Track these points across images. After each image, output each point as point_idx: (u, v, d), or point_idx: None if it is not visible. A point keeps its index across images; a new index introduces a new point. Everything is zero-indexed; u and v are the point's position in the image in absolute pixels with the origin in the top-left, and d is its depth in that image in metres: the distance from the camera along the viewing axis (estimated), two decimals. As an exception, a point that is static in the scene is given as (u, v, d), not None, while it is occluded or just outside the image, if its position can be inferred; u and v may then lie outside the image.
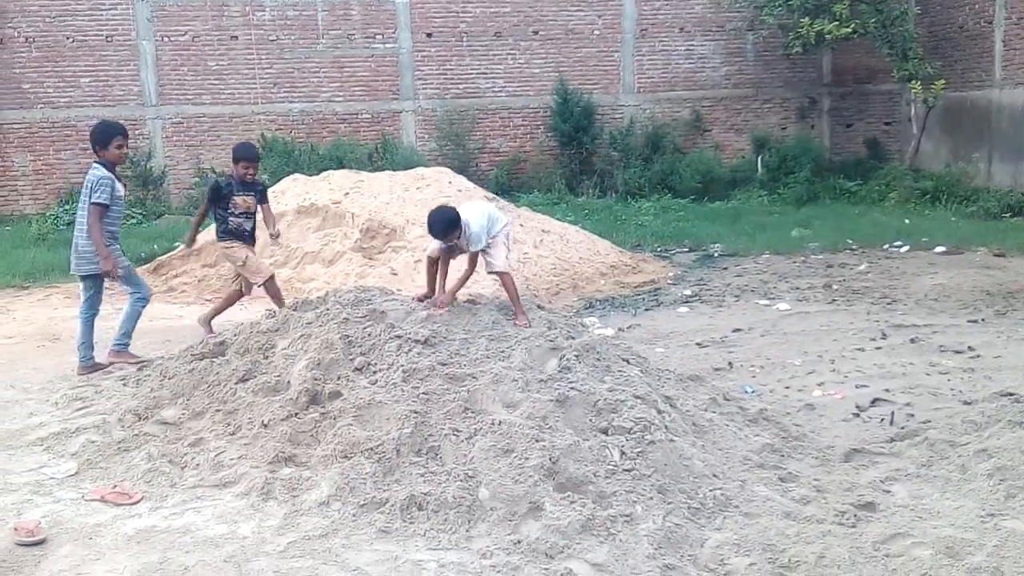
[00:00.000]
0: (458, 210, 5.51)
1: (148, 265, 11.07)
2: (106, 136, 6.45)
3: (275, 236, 7.28)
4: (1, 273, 10.86)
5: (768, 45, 17.52)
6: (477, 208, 5.68)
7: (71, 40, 16.05)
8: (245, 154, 7.08)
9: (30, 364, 6.95)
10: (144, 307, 6.64)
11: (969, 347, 7.04)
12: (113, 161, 6.47)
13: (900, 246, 11.82)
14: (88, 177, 6.41)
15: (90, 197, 6.30)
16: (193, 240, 7.72)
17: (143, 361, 6.35)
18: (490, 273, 5.68)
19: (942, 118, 16.27)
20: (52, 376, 6.52)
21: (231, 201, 7.01)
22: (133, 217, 15.16)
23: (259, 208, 7.21)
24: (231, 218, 7.06)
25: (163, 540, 3.86)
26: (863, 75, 18.09)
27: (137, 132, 16.40)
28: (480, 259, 5.68)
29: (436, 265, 5.67)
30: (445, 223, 5.40)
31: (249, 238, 7.18)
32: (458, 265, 5.94)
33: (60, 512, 4.15)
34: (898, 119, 18.22)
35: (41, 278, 10.85)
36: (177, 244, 11.85)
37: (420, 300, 5.62)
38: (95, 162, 6.45)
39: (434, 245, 5.59)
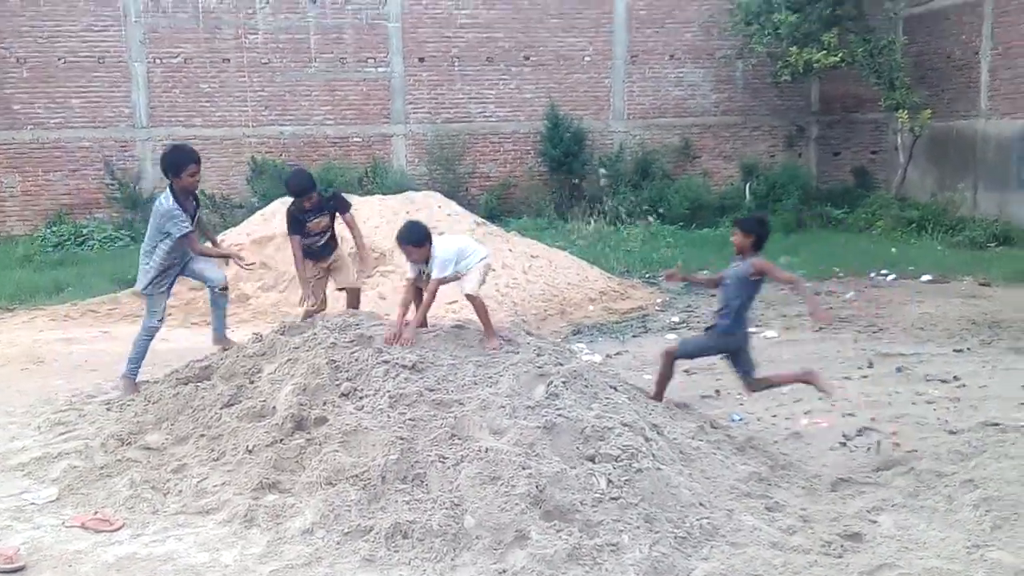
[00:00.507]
0: (434, 236, 5.51)
1: (135, 288, 11.00)
2: (179, 164, 6.24)
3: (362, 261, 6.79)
4: (-14, 294, 10.78)
5: (757, 73, 17.68)
6: (453, 240, 5.70)
7: (63, 61, 16.06)
8: (296, 190, 6.50)
9: (13, 387, 6.89)
10: (147, 337, 6.52)
11: (955, 376, 7.06)
12: (186, 188, 6.27)
13: (887, 275, 11.87)
14: (156, 207, 6.29)
15: (163, 229, 6.23)
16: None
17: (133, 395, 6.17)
18: (465, 295, 5.61)
19: (928, 147, 16.42)
20: (35, 400, 6.46)
21: (306, 229, 6.67)
22: (120, 239, 15.12)
23: (337, 219, 6.72)
24: (307, 241, 6.74)
25: (144, 568, 3.82)
26: (850, 104, 18.27)
27: (127, 154, 16.39)
28: (453, 287, 5.69)
29: (420, 293, 5.65)
30: (412, 234, 5.40)
31: (322, 251, 6.69)
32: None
33: (40, 538, 4.10)
34: (885, 148, 18.38)
35: (27, 300, 10.78)
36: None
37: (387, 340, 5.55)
38: (168, 187, 6.28)
39: (411, 275, 5.58)
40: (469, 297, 5.50)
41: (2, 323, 9.69)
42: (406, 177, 16.49)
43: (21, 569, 3.81)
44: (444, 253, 5.44)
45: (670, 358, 5.90)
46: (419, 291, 5.62)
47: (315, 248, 6.59)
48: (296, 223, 6.44)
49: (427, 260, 5.44)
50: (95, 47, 16.16)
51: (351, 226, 6.57)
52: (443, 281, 5.47)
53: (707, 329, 6.00)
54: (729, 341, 5.75)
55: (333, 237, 6.70)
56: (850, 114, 18.36)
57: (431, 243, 5.41)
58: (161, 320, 6.38)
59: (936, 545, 4.07)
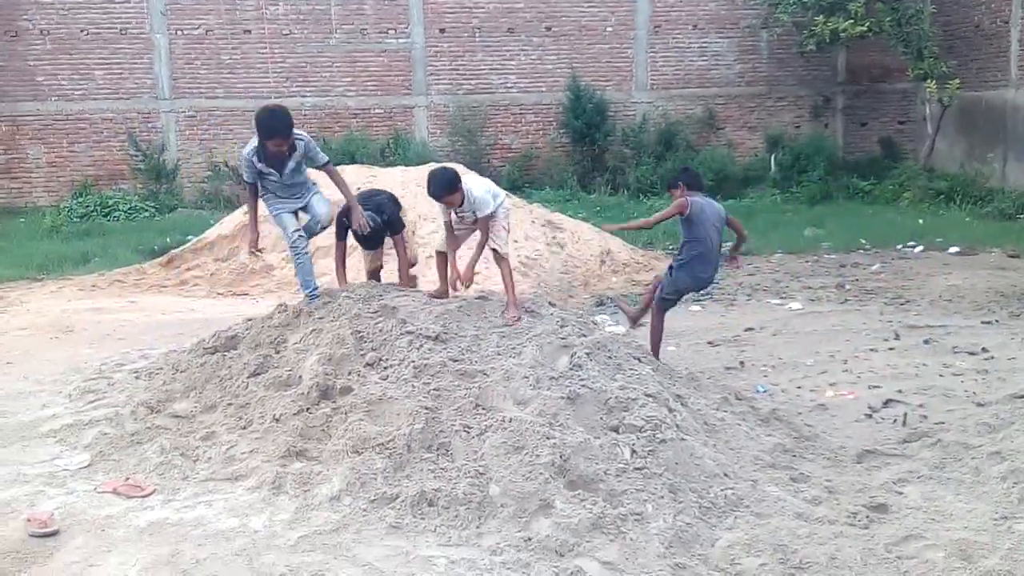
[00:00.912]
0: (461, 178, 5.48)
1: (161, 258, 11.12)
2: (262, 130, 5.66)
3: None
4: (15, 265, 10.92)
5: (782, 43, 17.43)
6: (478, 179, 5.68)
7: (85, 33, 16.10)
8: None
9: (43, 356, 6.99)
10: (295, 254, 5.81)
11: (983, 348, 7.00)
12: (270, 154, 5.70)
13: (914, 246, 11.75)
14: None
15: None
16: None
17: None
18: (491, 248, 5.55)
19: (957, 118, 16.17)
20: (65, 368, 6.55)
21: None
22: (145, 210, 15.23)
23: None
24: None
25: (175, 533, 3.88)
26: (878, 74, 18.00)
27: (150, 125, 16.45)
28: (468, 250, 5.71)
29: (445, 259, 5.68)
30: (443, 182, 5.34)
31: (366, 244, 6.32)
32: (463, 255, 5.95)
33: (73, 504, 4.17)
34: (912, 118, 18.11)
35: (54, 270, 10.90)
36: (190, 237, 11.89)
37: (433, 296, 5.62)
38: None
39: (445, 217, 5.55)
40: (497, 256, 5.50)
41: (31, 293, 9.81)
42: (428, 148, 16.47)
43: (55, 533, 3.89)
44: (481, 191, 5.44)
45: (659, 310, 6.26)
46: (443, 257, 5.67)
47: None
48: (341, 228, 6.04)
49: (461, 202, 5.40)
50: (117, 18, 16.18)
51: (397, 246, 6.24)
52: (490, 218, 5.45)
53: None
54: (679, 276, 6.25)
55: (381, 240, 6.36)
56: (877, 84, 18.09)
57: (461, 182, 5.39)
58: (296, 233, 5.70)
59: (963, 517, 4.06)
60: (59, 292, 9.89)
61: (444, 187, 5.34)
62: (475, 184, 5.53)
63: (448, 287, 5.69)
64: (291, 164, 5.64)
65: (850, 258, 11.28)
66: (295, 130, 5.59)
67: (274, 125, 5.54)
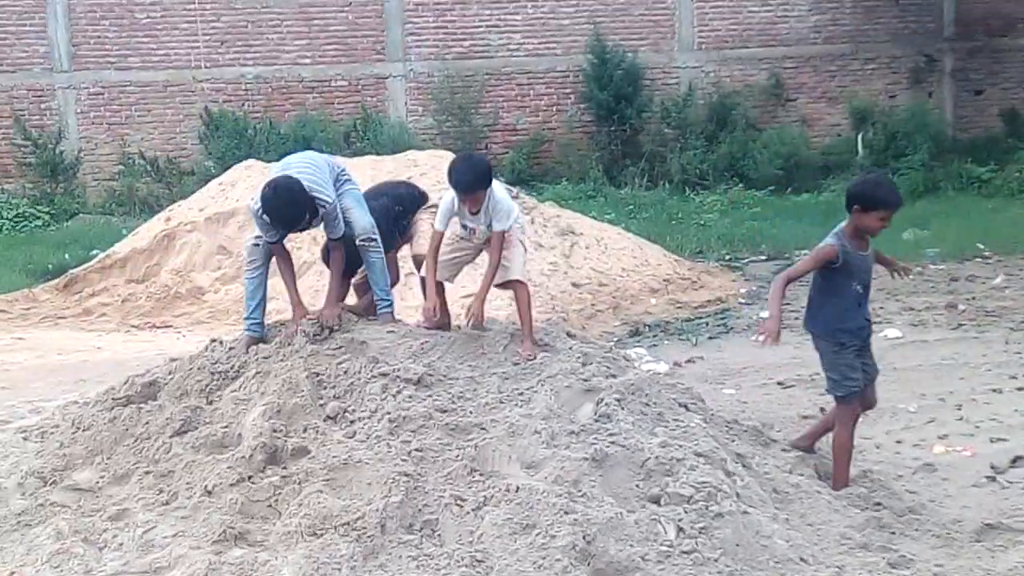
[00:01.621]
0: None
1: (57, 281, 11.16)
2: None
3: None
4: None
5: (871, -14, 17.55)
6: (498, 184, 5.71)
7: (-42, -13, 16.28)
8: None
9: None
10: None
11: None
12: None
13: (1049, 253, 11.76)
14: None
15: None
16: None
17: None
18: (501, 285, 5.62)
19: (1104, 82, 16.22)
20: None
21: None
22: (36, 217, 15.31)
23: None
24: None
25: (75, 644, 3.87)
26: (997, 26, 18.08)
27: (43, 106, 16.57)
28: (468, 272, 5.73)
29: (443, 289, 5.68)
30: (476, 172, 5.38)
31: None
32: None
33: (-59, 607, 4.17)
34: (1045, 83, 18.16)
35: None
36: (95, 252, 11.94)
37: (429, 325, 5.62)
38: None
39: (440, 227, 5.56)
40: (515, 284, 5.53)
41: None
42: (406, 131, 16.55)
43: (-82, 647, 3.87)
44: (506, 199, 5.49)
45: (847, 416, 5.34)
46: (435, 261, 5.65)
47: None
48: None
49: (479, 207, 5.43)
50: (0, -33, 16.35)
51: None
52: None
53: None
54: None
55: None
56: (996, 39, 18.16)
57: (491, 190, 5.41)
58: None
59: (1117, 612, 4.04)
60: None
61: (479, 177, 5.38)
62: (497, 187, 5.58)
63: (449, 318, 5.69)
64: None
65: (964, 269, 11.25)
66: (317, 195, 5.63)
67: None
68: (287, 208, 5.52)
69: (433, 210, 5.95)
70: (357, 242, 5.84)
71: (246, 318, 5.79)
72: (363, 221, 5.82)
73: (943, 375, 7.55)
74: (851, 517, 4.83)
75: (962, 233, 12.65)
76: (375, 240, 5.83)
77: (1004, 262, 11.52)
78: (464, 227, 5.61)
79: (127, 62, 16.74)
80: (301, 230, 6.07)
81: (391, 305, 5.94)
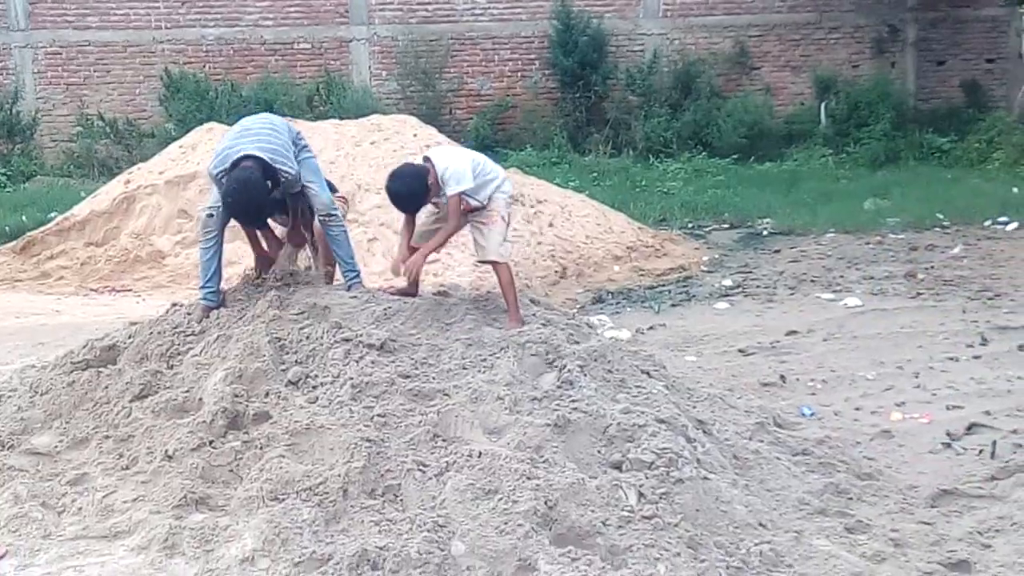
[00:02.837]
0: (428, 154, 5.40)
1: (15, 243, 11.03)
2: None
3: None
4: None
5: (836, -45, 17.57)
6: (455, 152, 5.60)
7: (-89, -58, 15.95)
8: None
9: None
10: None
11: (1095, 356, 7.10)
12: None
13: (1006, 223, 11.87)
14: None
15: None
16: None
17: None
18: (480, 262, 5.62)
19: (1063, 54, 16.36)
20: None
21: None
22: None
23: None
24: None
25: (34, 609, 3.86)
26: (960, -4, 18.16)
27: (0, 65, 16.31)
28: (468, 235, 5.65)
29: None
30: (410, 192, 5.29)
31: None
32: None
33: None
34: (1005, 55, 18.30)
35: None
36: (53, 214, 11.81)
37: (397, 293, 5.59)
38: None
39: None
40: (493, 265, 5.45)
41: None
42: (370, 95, 16.44)
43: None
44: (453, 164, 5.32)
45: None
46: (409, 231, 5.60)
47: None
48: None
49: (438, 192, 5.32)
50: (-46, -78, 16.04)
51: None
52: (464, 202, 5.33)
53: None
54: None
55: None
56: (958, 10, 18.26)
57: (432, 165, 5.28)
58: None
59: (1068, 576, 4.11)
60: None
61: (413, 195, 5.30)
62: (450, 157, 5.42)
63: (417, 286, 5.64)
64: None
65: (923, 238, 11.36)
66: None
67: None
68: (251, 207, 5.46)
69: None
70: (317, 218, 5.77)
71: (201, 287, 5.71)
72: (322, 196, 5.70)
73: (901, 343, 7.63)
74: (809, 483, 4.89)
75: (922, 203, 12.76)
76: (335, 215, 5.73)
77: (962, 232, 11.64)
78: (435, 205, 5.51)
79: (86, 21, 16.49)
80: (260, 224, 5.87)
81: (358, 276, 5.88)
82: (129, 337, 5.58)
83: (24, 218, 12.28)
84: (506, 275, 5.43)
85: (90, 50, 16.57)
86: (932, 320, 8.23)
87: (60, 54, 16.52)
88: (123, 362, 5.37)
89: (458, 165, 5.35)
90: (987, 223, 11.94)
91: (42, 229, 11.14)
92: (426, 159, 5.40)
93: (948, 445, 5.67)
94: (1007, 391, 6.52)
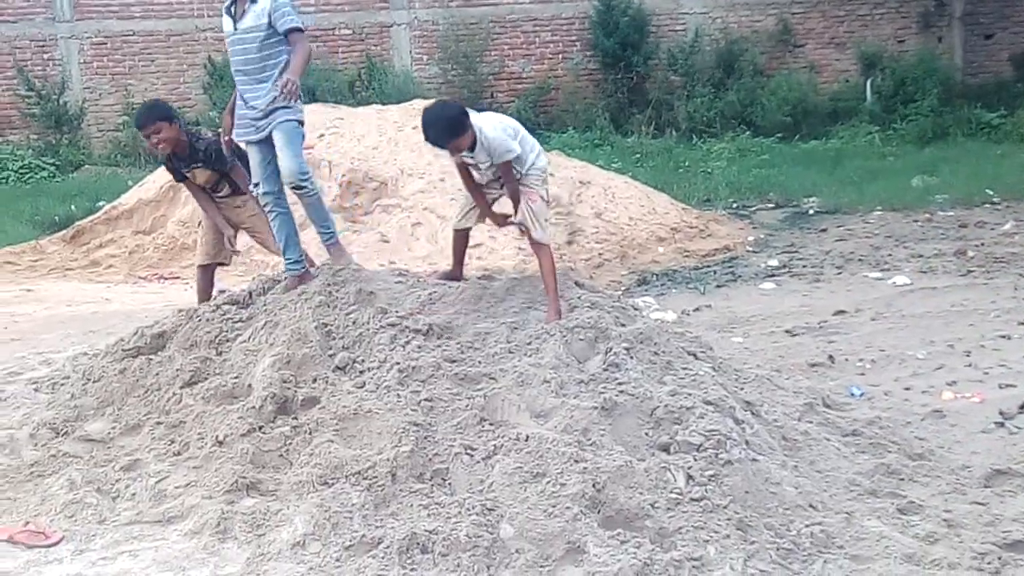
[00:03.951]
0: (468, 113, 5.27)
1: (64, 232, 11.16)
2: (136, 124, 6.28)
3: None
4: None
5: (881, -71, 17.34)
6: (490, 116, 5.44)
7: (-42, -64, 16.15)
8: (136, 123, 6.52)
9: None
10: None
11: None
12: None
13: (1058, 198, 11.71)
14: None
15: None
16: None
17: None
18: (522, 233, 5.48)
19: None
20: (-58, 378, 6.60)
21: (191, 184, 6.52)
22: (42, 168, 15.28)
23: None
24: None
25: (90, 593, 3.91)
26: (1008, -32, 17.86)
27: (46, 57, 16.48)
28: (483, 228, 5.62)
29: (465, 239, 5.63)
30: (444, 123, 5.17)
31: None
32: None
33: (-43, 557, 4.21)
34: (1056, 27, 17.98)
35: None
36: (101, 203, 11.94)
37: (443, 278, 5.61)
38: None
39: (460, 175, 5.41)
40: (535, 245, 5.36)
41: None
42: (411, 80, 16.45)
43: (-66, 596, 3.92)
44: (497, 131, 5.22)
45: None
46: (462, 236, 5.61)
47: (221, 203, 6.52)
48: (175, 173, 6.46)
49: (473, 146, 5.22)
50: (0, -84, 16.21)
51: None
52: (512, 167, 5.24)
53: None
54: None
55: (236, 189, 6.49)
56: (1008, -18, 17.95)
57: (469, 118, 5.17)
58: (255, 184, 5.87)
59: (1125, 557, 4.06)
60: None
61: (446, 126, 5.18)
62: (487, 121, 5.33)
63: (462, 270, 5.64)
64: (249, 18, 5.62)
65: (973, 215, 11.22)
66: None
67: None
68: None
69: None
70: (288, 190, 5.71)
71: (284, 259, 5.76)
72: (288, 164, 5.56)
73: (952, 322, 7.54)
74: (860, 464, 4.85)
75: (971, 179, 12.60)
76: (303, 187, 5.62)
77: (1013, 208, 11.48)
78: (479, 172, 5.39)
79: (130, 11, 16.62)
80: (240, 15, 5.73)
81: (334, 237, 5.82)
82: (179, 324, 5.63)
83: (73, 207, 12.42)
84: (548, 261, 5.31)
85: (134, 40, 16.70)
86: (983, 298, 8.13)
87: (105, 44, 16.67)
88: (173, 349, 5.42)
89: (497, 134, 5.24)
90: (1038, 199, 11.78)
91: (91, 218, 11.27)
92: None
93: (1001, 424, 5.61)
94: (1061, 370, 6.44)
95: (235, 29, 5.73)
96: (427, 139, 5.36)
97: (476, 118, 5.30)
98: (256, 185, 5.79)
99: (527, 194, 5.34)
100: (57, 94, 16.15)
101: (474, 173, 5.42)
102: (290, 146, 5.56)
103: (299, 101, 5.56)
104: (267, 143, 5.63)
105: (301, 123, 5.62)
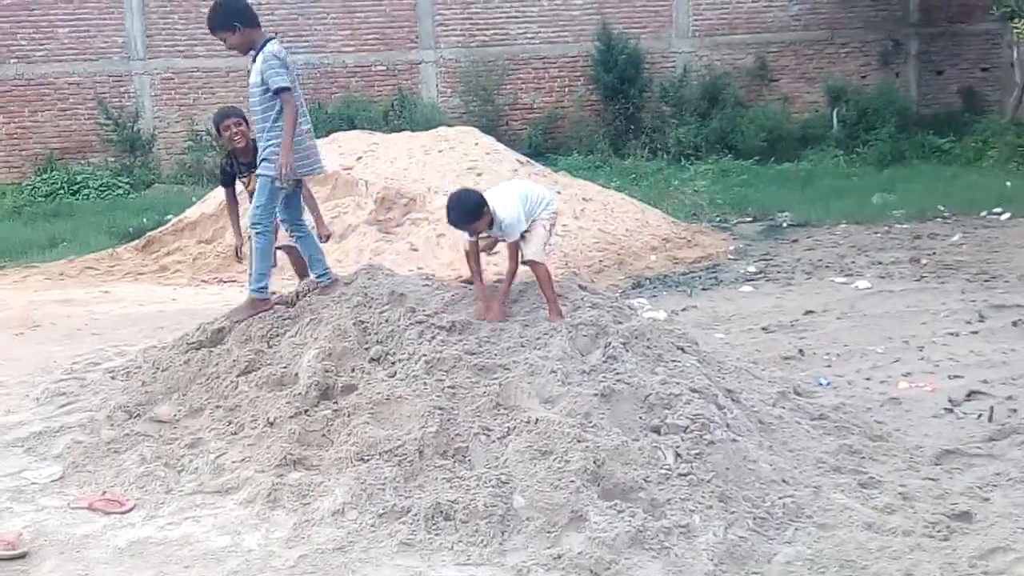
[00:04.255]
0: (485, 195, 5.24)
1: (137, 242, 11.21)
2: (218, 117, 6.19)
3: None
4: (-28, 251, 11.05)
5: (845, -20, 17.26)
6: (511, 191, 5.41)
7: (47, -14, 16.21)
8: (218, 116, 6.30)
9: (7, 355, 7.07)
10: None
11: (1082, 331, 6.94)
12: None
13: (1000, 213, 11.63)
14: None
15: None
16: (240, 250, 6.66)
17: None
18: (524, 261, 5.50)
19: (1051, 62, 15.95)
20: (32, 368, 6.62)
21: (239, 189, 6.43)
22: (118, 187, 15.34)
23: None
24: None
25: (159, 553, 3.93)
26: (956, 13, 17.77)
27: (122, 90, 16.56)
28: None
29: (477, 256, 5.53)
30: (464, 210, 5.13)
31: None
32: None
33: (43, 522, 4.22)
34: (998, 64, 17.88)
35: (18, 257, 11.02)
36: (169, 216, 11.99)
37: (465, 282, 5.61)
38: None
39: (464, 237, 5.43)
40: (531, 264, 5.29)
41: (-8, 283, 9.93)
42: (437, 110, 16.46)
43: (23, 556, 3.93)
44: (509, 212, 5.18)
45: None
46: (475, 255, 5.51)
47: None
48: (226, 176, 6.28)
49: (490, 225, 5.22)
50: (83, -32, 16.27)
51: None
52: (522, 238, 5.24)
53: None
54: None
55: None
56: (956, 25, 17.87)
57: (487, 205, 5.14)
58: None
59: (1059, 526, 4.03)
60: (23, 282, 10.00)
61: (466, 212, 5.13)
62: (504, 202, 5.25)
63: (481, 277, 5.51)
64: (253, 73, 5.40)
65: (926, 228, 11.17)
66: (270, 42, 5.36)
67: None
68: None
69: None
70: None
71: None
72: (252, 211, 5.51)
73: (907, 321, 7.51)
74: (826, 444, 4.83)
75: (924, 197, 12.55)
76: (256, 226, 5.52)
77: (961, 221, 11.43)
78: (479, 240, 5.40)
79: (194, 51, 16.67)
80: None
81: (260, 285, 5.64)
82: (235, 322, 5.64)
83: (145, 220, 12.47)
84: (543, 273, 5.24)
85: (198, 75, 16.75)
86: (934, 300, 8.09)
87: (173, 79, 16.73)
88: (230, 342, 5.44)
89: (513, 216, 5.19)
90: (983, 214, 11.70)
91: (160, 229, 11.31)
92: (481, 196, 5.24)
93: (950, 410, 5.58)
94: (1002, 362, 6.40)
95: (249, 83, 5.56)
96: (449, 221, 5.30)
97: (492, 197, 5.24)
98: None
99: (532, 230, 5.29)
100: (132, 122, 16.21)
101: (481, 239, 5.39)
102: (258, 196, 5.50)
103: (292, 175, 5.36)
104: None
105: (274, 180, 5.38)
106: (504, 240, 5.37)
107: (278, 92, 5.29)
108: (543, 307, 5.30)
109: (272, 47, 5.31)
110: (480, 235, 5.33)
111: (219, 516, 4.19)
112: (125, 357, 6.58)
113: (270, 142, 5.36)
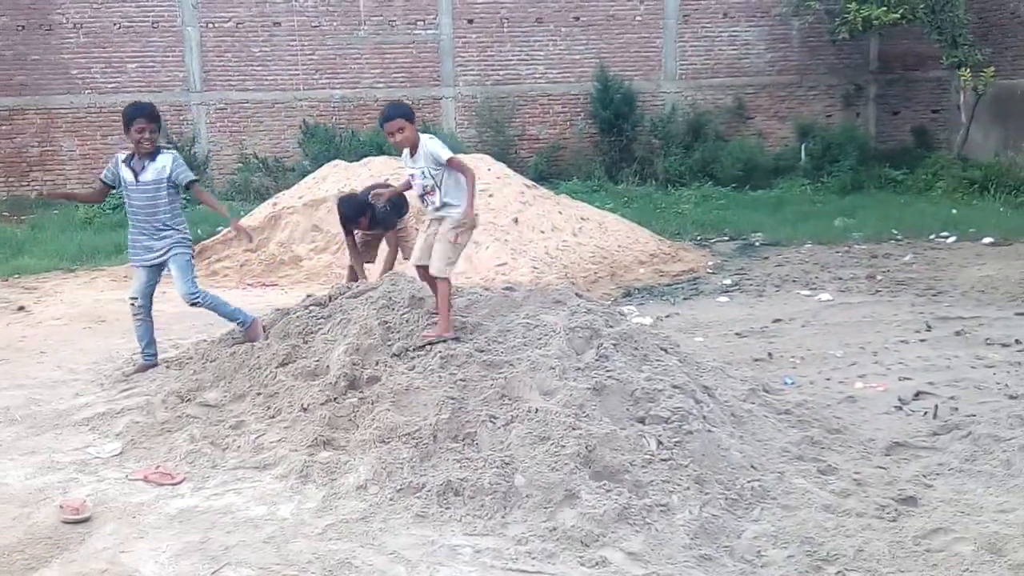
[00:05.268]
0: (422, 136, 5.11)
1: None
2: (125, 118, 5.78)
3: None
4: (49, 256, 11.09)
5: (814, 31, 17.21)
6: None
7: (118, 26, 16.28)
8: (345, 218, 6.86)
9: (76, 346, 7.09)
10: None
11: (1016, 340, 6.90)
12: (133, 144, 5.73)
13: (947, 237, 11.59)
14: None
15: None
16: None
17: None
18: (431, 274, 5.06)
19: (992, 106, 15.89)
20: (98, 357, 6.65)
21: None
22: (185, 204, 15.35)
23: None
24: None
25: (204, 520, 3.94)
26: (911, 62, 17.72)
27: (181, 118, 16.62)
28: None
29: (426, 271, 5.21)
30: (400, 107, 5.18)
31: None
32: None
33: (105, 491, 4.24)
34: (946, 107, 17.83)
35: (88, 261, 11.06)
36: (219, 228, 12.01)
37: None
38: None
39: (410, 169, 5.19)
40: (433, 280, 5.02)
41: (64, 284, 9.96)
42: (456, 140, 16.45)
43: (87, 520, 3.96)
44: (438, 148, 5.08)
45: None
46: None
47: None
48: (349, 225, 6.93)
49: (413, 147, 5.08)
50: (149, 11, 16.35)
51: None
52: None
53: None
54: None
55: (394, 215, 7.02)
56: (910, 72, 17.82)
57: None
58: (131, 298, 5.86)
59: (993, 510, 4.01)
60: (92, 283, 10.03)
61: (398, 110, 5.13)
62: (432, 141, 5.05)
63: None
64: (151, 174, 5.56)
65: (881, 248, 11.14)
66: (165, 146, 5.55)
67: (140, 107, 5.65)
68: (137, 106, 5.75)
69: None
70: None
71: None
72: (183, 288, 5.72)
73: (863, 329, 7.49)
74: (790, 435, 4.82)
75: (880, 221, 12.51)
76: (197, 303, 5.81)
77: (912, 244, 11.39)
78: (411, 176, 5.19)
79: (245, 85, 16.73)
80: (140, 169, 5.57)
81: (245, 321, 5.75)
82: (276, 320, 5.66)
83: (200, 231, 12.47)
84: (443, 290, 4.99)
85: (248, 106, 16.81)
86: (887, 311, 8.07)
87: (225, 109, 16.79)
88: (271, 338, 5.46)
89: (435, 144, 5.12)
90: (932, 237, 11.65)
91: (212, 239, 11.34)
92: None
93: (899, 408, 5.57)
94: (947, 367, 6.38)
95: (136, 181, 5.63)
96: (387, 118, 5.25)
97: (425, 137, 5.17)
98: (134, 298, 5.89)
99: (441, 237, 5.09)
100: (189, 146, 16.26)
101: (415, 181, 5.21)
102: (183, 275, 5.73)
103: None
104: (158, 269, 5.83)
105: (192, 256, 5.84)
106: (429, 173, 5.11)
107: (191, 185, 5.62)
108: (544, 312, 5.30)
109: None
110: (412, 167, 5.18)
111: (257, 489, 4.20)
112: (178, 349, 6.61)
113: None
